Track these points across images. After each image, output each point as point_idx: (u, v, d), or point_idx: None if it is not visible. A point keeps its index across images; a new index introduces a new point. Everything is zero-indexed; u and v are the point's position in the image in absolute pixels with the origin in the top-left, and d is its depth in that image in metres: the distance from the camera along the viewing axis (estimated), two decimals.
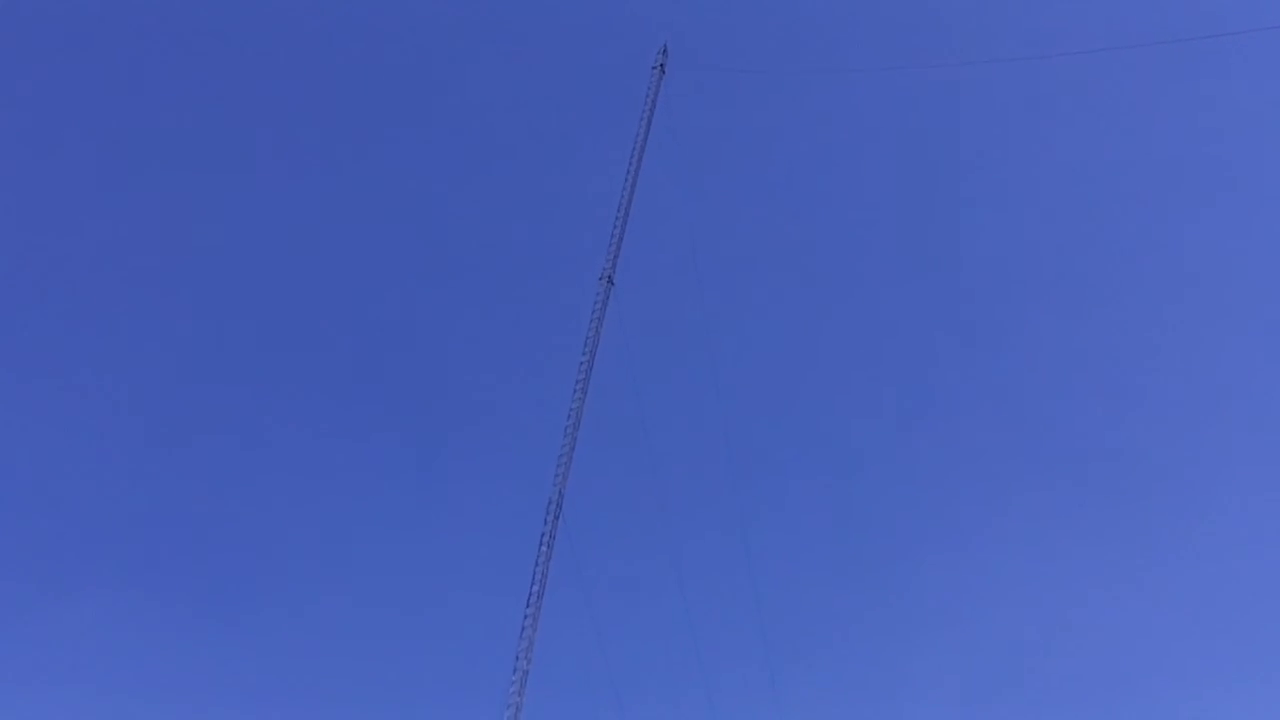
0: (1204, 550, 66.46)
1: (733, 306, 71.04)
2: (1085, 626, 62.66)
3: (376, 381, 73.67)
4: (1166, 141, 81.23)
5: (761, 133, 79.36)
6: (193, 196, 76.57)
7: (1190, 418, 72.04)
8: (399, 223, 79.87)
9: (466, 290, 78.00)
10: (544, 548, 35.38)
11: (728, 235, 73.83)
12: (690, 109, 51.30)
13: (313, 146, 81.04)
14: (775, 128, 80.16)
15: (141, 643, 58.98)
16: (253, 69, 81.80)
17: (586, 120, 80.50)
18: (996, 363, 77.21)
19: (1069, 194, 78.92)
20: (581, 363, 39.15)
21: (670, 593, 46.29)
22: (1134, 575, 65.30)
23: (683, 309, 56.73)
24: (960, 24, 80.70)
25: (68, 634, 58.57)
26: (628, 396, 43.55)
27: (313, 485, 68.52)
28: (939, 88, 75.81)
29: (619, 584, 56.30)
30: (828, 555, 67.15)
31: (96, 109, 77.61)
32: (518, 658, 33.54)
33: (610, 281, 40.95)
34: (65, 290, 72.29)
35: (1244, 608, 61.96)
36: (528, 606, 34.35)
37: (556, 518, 35.98)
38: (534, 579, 34.86)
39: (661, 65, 45.79)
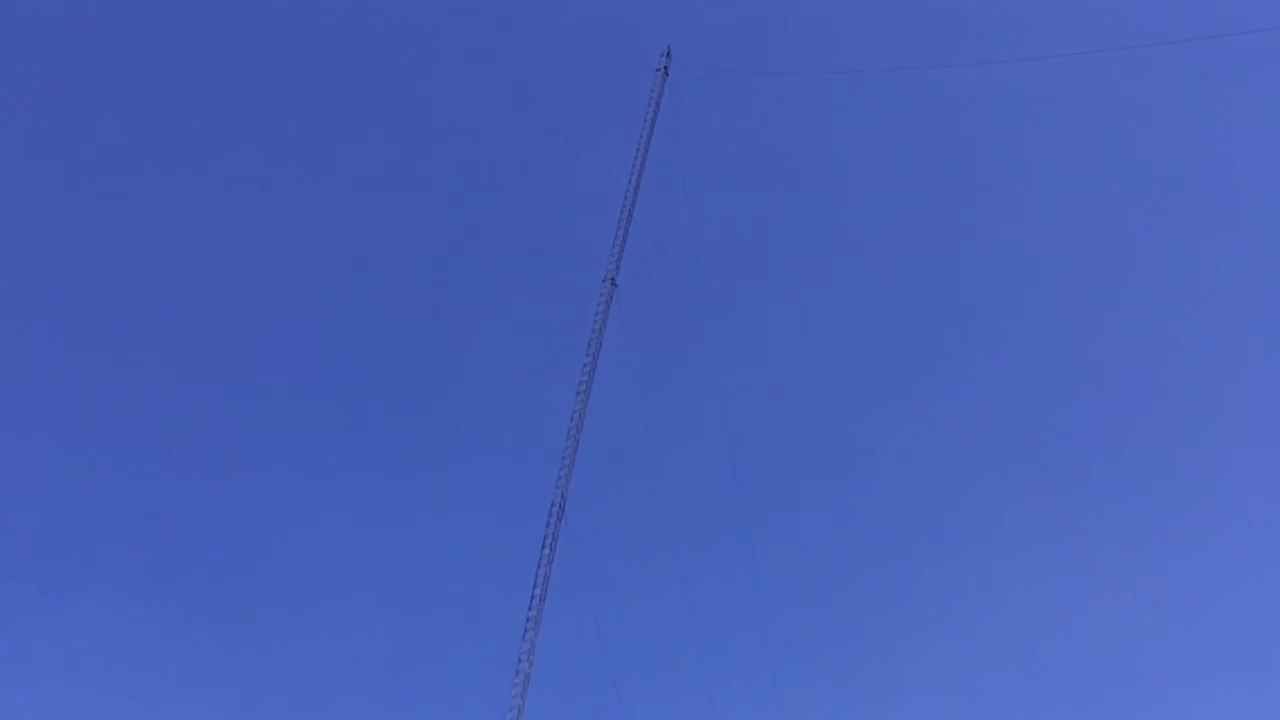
0: (1205, 551, 66.55)
1: (736, 308, 71.19)
2: (1087, 627, 62.75)
3: (379, 383, 73.70)
4: (1169, 141, 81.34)
5: (764, 135, 79.47)
6: (195, 196, 76.67)
7: (1191, 419, 72.15)
8: (401, 224, 79.87)
9: (469, 292, 78.05)
10: (546, 550, 35.38)
11: (731, 237, 73.93)
12: (693, 111, 51.39)
13: (317, 147, 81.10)
14: (778, 129, 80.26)
15: (143, 642, 59.04)
16: (256, 69, 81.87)
17: (589, 122, 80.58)
18: (999, 365, 77.28)
19: (1071, 195, 78.96)
20: (584, 365, 39.12)
21: (673, 595, 46.23)
22: (1136, 576, 65.39)
23: (686, 311, 56.72)
24: (962, 24, 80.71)
25: (68, 634, 58.65)
26: (630, 399, 43.57)
27: (314, 487, 68.55)
28: (942, 88, 75.92)
29: (621, 586, 56.34)
30: (830, 557, 67.20)
31: (97, 109, 77.72)
32: (520, 660, 33.55)
33: (613, 284, 40.89)
34: (66, 291, 72.44)
35: (1245, 609, 62.11)
36: (530, 609, 34.35)
37: (559, 520, 35.97)
38: (536, 581, 34.86)
39: (665, 68, 45.75)
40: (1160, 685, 61.35)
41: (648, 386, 45.45)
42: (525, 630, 33.94)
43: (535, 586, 34.70)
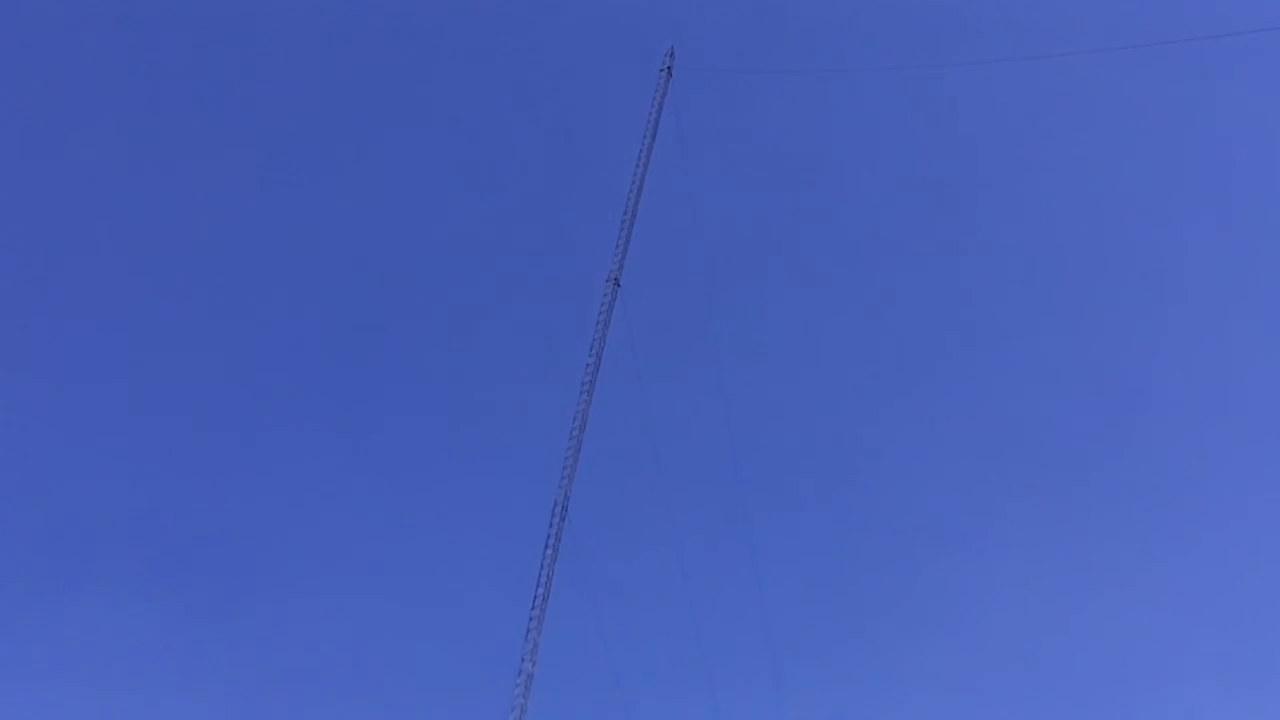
0: (1205, 551, 66.67)
1: (739, 308, 71.23)
2: (1087, 626, 62.82)
3: (381, 382, 73.81)
4: (1173, 142, 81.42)
5: (768, 134, 79.55)
6: (198, 196, 76.75)
7: (1191, 419, 72.26)
8: (404, 224, 79.99)
9: (473, 291, 78.11)
10: (549, 549, 35.35)
11: (734, 237, 73.97)
12: (696, 111, 51.37)
13: (321, 148, 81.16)
14: (781, 129, 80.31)
15: (148, 640, 59.11)
16: (261, 70, 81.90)
17: (593, 123, 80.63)
18: (1001, 364, 77.38)
19: (1073, 195, 79.11)
20: (587, 364, 39.09)
21: (675, 594, 46.28)
22: (1136, 576, 65.47)
23: (689, 311, 56.80)
24: (964, 24, 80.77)
25: (70, 631, 58.71)
26: (634, 398, 43.56)
27: (318, 486, 68.66)
28: (944, 87, 75.97)
29: (624, 586, 56.38)
30: (832, 556, 67.30)
31: (98, 109, 77.73)
32: (522, 659, 33.51)
33: (617, 283, 40.86)
34: (68, 290, 72.45)
35: (1245, 608, 62.18)
36: (533, 608, 34.33)
37: (562, 519, 35.95)
38: (539, 581, 34.82)
39: (669, 68, 45.76)
40: (1160, 684, 61.53)
41: (650, 386, 45.46)
42: (528, 629, 33.93)
43: (538, 586, 34.68)
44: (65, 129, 75.60)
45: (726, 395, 52.01)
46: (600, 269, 41.37)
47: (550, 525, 35.78)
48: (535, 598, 34.51)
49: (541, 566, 35.07)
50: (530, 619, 34.10)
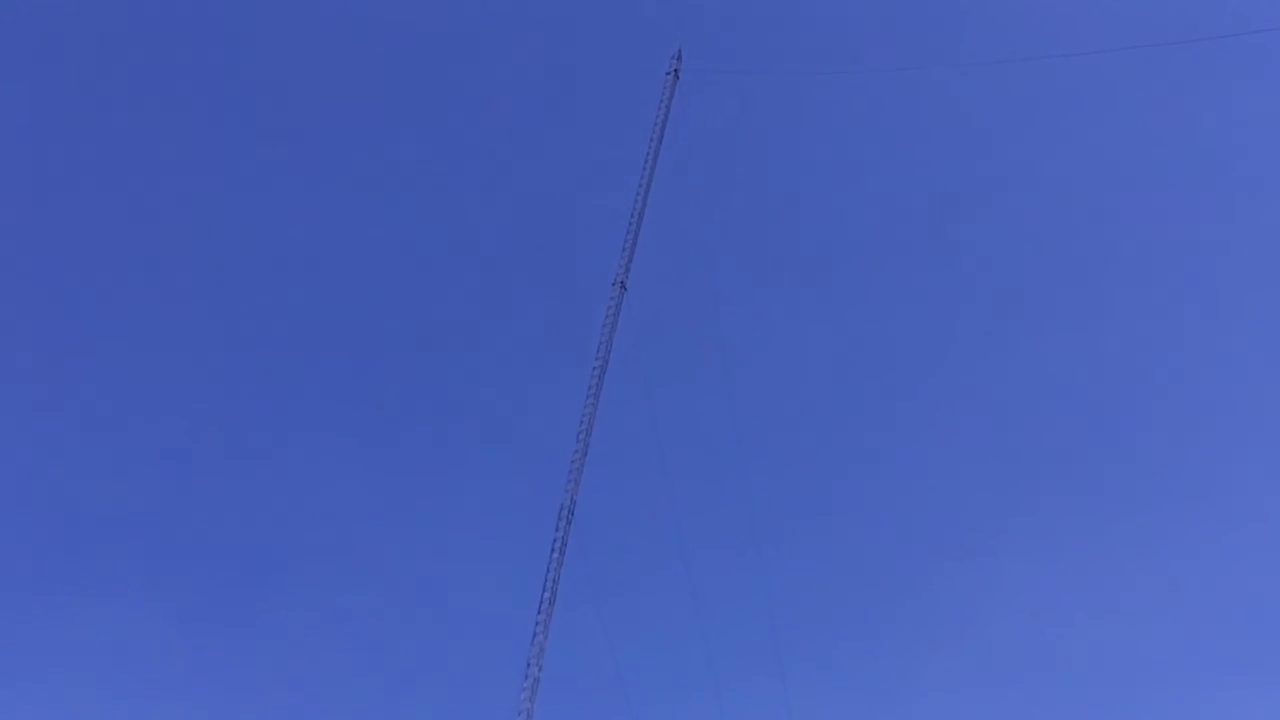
0: (1214, 557, 66.38)
1: (746, 311, 71.11)
2: (1096, 631, 62.66)
3: (388, 387, 73.87)
4: (1174, 142, 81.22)
5: (775, 137, 79.50)
6: (203, 196, 76.97)
7: (1199, 423, 71.99)
8: (411, 227, 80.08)
9: (479, 295, 78.22)
10: (556, 554, 35.27)
11: (741, 240, 73.90)
12: (704, 114, 51.33)
13: (327, 152, 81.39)
14: (788, 132, 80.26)
15: (150, 642, 59.26)
16: (268, 72, 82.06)
17: (600, 125, 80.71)
18: (1009, 368, 77.21)
19: (1081, 197, 78.91)
20: (594, 368, 39.01)
21: (682, 598, 46.15)
22: (1146, 581, 65.26)
23: (696, 314, 56.77)
24: (970, 25, 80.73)
25: (76, 632, 58.89)
26: (640, 402, 43.46)
27: (324, 489, 68.71)
28: (951, 88, 75.87)
29: (630, 590, 56.32)
30: (839, 560, 67.18)
31: (99, 108, 77.98)
32: (529, 663, 33.44)
33: (623, 287, 40.75)
34: (71, 292, 72.65)
35: (1254, 612, 61.94)
36: (539, 612, 34.24)
37: (568, 523, 35.88)
38: (545, 585, 34.74)
39: (676, 70, 45.65)
40: (1170, 689, 61.27)
41: (657, 390, 45.35)
42: (534, 633, 33.84)
43: (544, 590, 34.60)
44: (66, 129, 75.99)
45: (733, 398, 51.93)
46: (606, 273, 41.37)
47: (557, 528, 35.70)
48: (542, 601, 34.44)
49: (548, 570, 35.01)
50: (537, 622, 34.02)
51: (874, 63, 78.50)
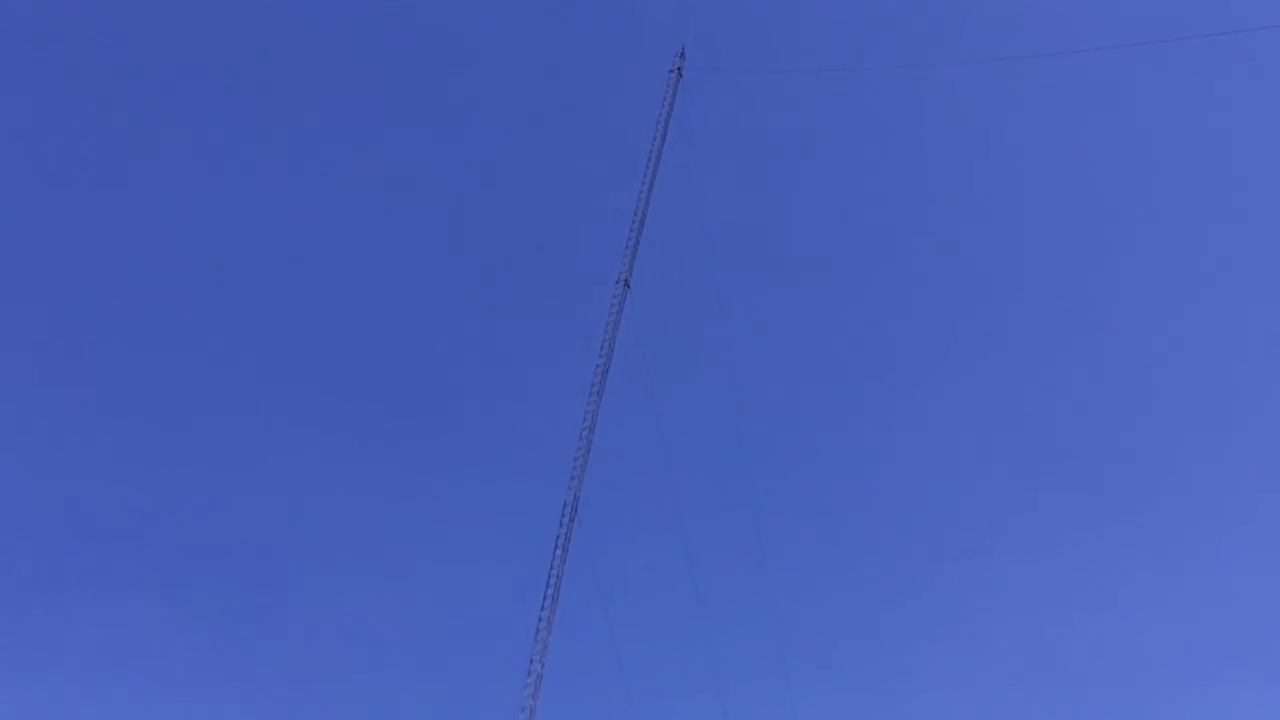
0: (1216, 556, 66.44)
1: (749, 310, 71.06)
2: (1099, 630, 62.68)
3: (391, 384, 73.86)
4: (1175, 141, 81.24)
5: (778, 135, 79.53)
6: (206, 195, 76.94)
7: (1202, 422, 71.99)
8: (414, 226, 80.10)
9: (482, 293, 78.20)
10: (559, 550, 35.31)
11: (744, 238, 73.93)
12: (706, 111, 51.34)
13: (328, 152, 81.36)
14: (791, 130, 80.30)
15: (151, 642, 59.13)
16: (269, 72, 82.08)
17: (603, 124, 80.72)
18: (1013, 367, 77.23)
19: (1083, 196, 78.95)
20: (597, 366, 39.05)
21: (685, 596, 46.18)
22: (1148, 580, 65.28)
23: (699, 312, 56.69)
24: (971, 23, 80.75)
25: (76, 632, 58.77)
26: (643, 399, 43.48)
27: (326, 486, 68.70)
28: (954, 86, 75.91)
29: (634, 587, 56.17)
30: (843, 558, 67.17)
31: (99, 108, 78.00)
32: (532, 660, 33.47)
33: (626, 285, 40.80)
34: (70, 289, 72.65)
35: (1257, 612, 61.95)
36: (542, 609, 34.29)
37: (571, 520, 35.92)
38: (549, 582, 34.78)
39: (679, 69, 45.70)
40: (1170, 688, 61.27)
41: (660, 388, 45.38)
42: (537, 631, 33.86)
43: (547, 587, 34.64)
44: (65, 129, 76.00)
45: (737, 396, 51.96)
46: (610, 271, 41.42)
47: (560, 526, 35.74)
48: (545, 598, 34.49)
49: (551, 567, 35.04)
50: (540, 620, 34.05)
51: (877, 62, 78.61)
